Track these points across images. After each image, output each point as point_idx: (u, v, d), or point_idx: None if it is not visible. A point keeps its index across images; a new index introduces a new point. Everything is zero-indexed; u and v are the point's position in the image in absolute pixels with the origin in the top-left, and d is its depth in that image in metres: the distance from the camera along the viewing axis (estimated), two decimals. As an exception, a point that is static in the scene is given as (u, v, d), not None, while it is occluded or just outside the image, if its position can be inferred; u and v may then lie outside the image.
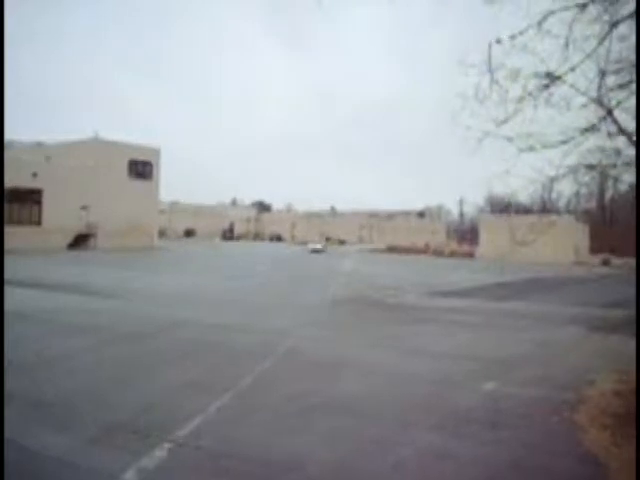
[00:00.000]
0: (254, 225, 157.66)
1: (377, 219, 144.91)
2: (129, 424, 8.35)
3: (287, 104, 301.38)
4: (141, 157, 66.42)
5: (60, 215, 57.16)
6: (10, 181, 54.41)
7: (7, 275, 28.89)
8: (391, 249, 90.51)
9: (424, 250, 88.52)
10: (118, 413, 8.82)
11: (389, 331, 17.54)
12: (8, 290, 23.92)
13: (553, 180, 10.58)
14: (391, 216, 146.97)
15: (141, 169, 66.66)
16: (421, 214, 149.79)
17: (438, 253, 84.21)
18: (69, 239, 58.09)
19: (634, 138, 9.36)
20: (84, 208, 58.94)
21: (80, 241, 58.83)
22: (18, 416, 8.52)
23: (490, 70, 9.63)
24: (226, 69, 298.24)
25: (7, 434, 7.64)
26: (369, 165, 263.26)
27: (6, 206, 54.71)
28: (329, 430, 8.39)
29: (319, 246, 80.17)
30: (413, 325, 18.96)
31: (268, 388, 10.52)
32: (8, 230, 53.23)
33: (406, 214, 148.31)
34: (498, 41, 9.34)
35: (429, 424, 8.79)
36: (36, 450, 7.33)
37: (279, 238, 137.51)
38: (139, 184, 65.45)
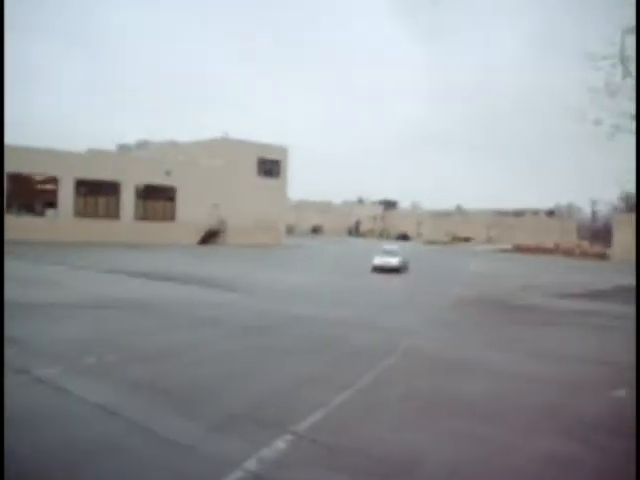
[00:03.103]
0: (380, 223, 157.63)
1: (504, 217, 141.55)
2: (251, 414, 8.50)
3: (418, 100, 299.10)
4: (269, 155, 67.81)
5: (192, 212, 59.26)
6: (145, 178, 57.01)
7: (143, 269, 30.30)
8: (518, 248, 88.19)
9: (553, 250, 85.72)
10: (240, 403, 9.01)
11: (514, 332, 17.10)
12: (143, 283, 25.08)
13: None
14: (519, 214, 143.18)
15: (269, 167, 68.05)
16: (550, 213, 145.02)
17: (568, 253, 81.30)
18: (200, 235, 60.08)
19: None
20: (215, 205, 60.83)
21: (210, 237, 60.73)
22: (145, 402, 8.88)
23: (622, 61, 9.19)
24: (356, 64, 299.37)
25: (135, 418, 8.04)
26: (498, 162, 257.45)
27: (141, 202, 57.31)
28: (448, 431, 8.24)
29: (394, 248, 42.83)
30: (540, 327, 18.40)
31: (389, 386, 10.47)
32: (144, 226, 55.78)
33: (535, 212, 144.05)
34: (631, 30, 8.90)
35: (553, 430, 8.49)
36: (163, 435, 7.60)
37: (405, 237, 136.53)
38: (267, 182, 66.83)
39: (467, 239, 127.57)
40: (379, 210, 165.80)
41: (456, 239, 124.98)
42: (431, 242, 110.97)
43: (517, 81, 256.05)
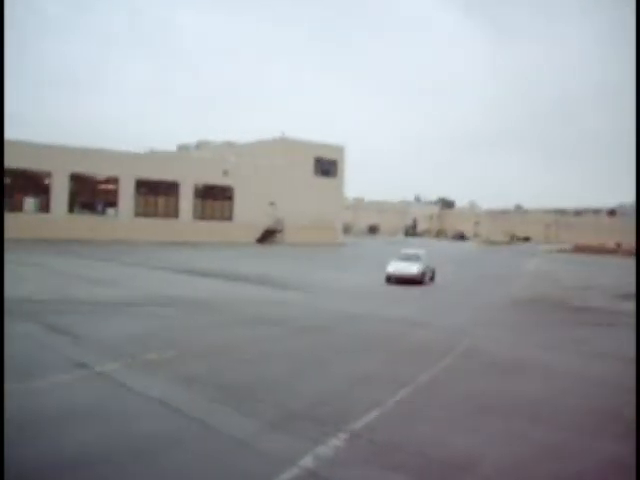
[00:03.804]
0: (437, 222, 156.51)
1: (564, 216, 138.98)
2: (307, 412, 8.58)
3: (479, 98, 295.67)
4: (326, 155, 67.97)
5: (249, 211, 59.82)
6: (204, 178, 57.76)
7: (201, 267, 30.73)
8: (578, 248, 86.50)
9: (615, 250, 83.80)
10: (297, 401, 9.09)
11: (573, 333, 16.82)
12: (201, 281, 25.44)
13: None
14: (579, 213, 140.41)
15: (326, 167, 68.19)
16: (612, 212, 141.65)
17: (631, 254, 79.37)
18: (257, 234, 60.60)
19: None
20: (272, 204, 61.29)
21: (268, 236, 61.20)
22: (204, 398, 9.03)
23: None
24: (414, 61, 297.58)
25: (194, 413, 8.20)
26: (558, 160, 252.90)
27: (199, 202, 58.05)
28: (505, 433, 8.18)
29: (415, 252, 33.56)
30: (600, 328, 18.08)
31: (445, 386, 10.44)
32: (203, 225, 56.49)
33: (595, 211, 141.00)
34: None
35: (614, 434, 8.34)
36: (219, 429, 7.74)
37: (462, 236, 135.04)
38: (324, 181, 67.00)
39: (526, 239, 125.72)
40: (436, 209, 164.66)
41: (514, 239, 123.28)
42: (489, 242, 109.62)
43: (582, 79, 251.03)
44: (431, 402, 9.41)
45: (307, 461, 6.75)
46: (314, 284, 26.41)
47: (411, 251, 32.80)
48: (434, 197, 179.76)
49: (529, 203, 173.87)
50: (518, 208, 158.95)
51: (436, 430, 8.12)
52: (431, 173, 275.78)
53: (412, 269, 28.87)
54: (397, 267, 29.22)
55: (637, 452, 6.88)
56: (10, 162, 46.28)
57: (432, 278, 30.43)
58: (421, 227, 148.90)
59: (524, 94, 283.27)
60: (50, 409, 8.16)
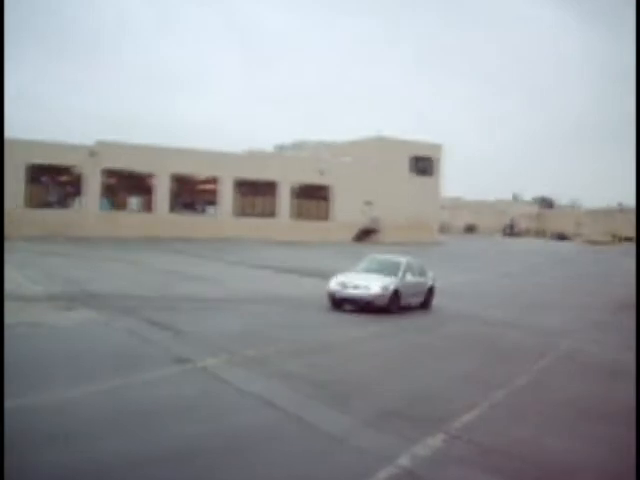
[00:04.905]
0: (536, 222, 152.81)
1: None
2: (403, 411, 8.57)
3: (579, 94, 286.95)
4: (422, 153, 67.33)
5: (346, 210, 59.97)
6: (301, 178, 58.27)
7: (298, 266, 31.00)
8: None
9: None
10: (393, 400, 9.11)
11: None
12: (297, 279, 25.67)
13: None
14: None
15: (422, 165, 67.53)
16: None
17: None
18: (353, 233, 60.67)
19: None
20: (368, 203, 61.25)
21: (364, 235, 61.16)
22: (298, 393, 9.18)
23: None
24: (510, 54, 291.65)
25: (290, 408, 8.32)
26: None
27: (296, 201, 58.60)
28: (607, 439, 7.91)
29: (397, 259, 20.61)
30: None
31: (542, 389, 10.24)
32: (299, 224, 57.02)
33: None
34: None
35: None
36: (315, 425, 7.83)
37: (562, 236, 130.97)
38: (420, 180, 66.38)
39: (628, 239, 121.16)
40: (535, 208, 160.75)
41: (617, 239, 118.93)
42: (591, 242, 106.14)
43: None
44: (529, 405, 9.28)
45: (404, 460, 6.72)
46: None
47: (390, 258, 21.31)
48: (533, 196, 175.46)
49: (633, 201, 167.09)
50: (621, 207, 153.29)
51: (534, 434, 7.99)
52: (529, 172, 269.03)
53: (372, 287, 18.21)
54: (347, 281, 18.66)
55: (637, 450, 6.74)
56: (115, 163, 48.20)
57: (424, 303, 20.10)
58: (520, 226, 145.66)
59: (629, 89, 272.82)
60: (154, 402, 8.45)
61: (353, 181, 60.14)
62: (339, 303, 18.63)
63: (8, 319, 12.97)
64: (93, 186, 48.43)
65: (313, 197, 60.08)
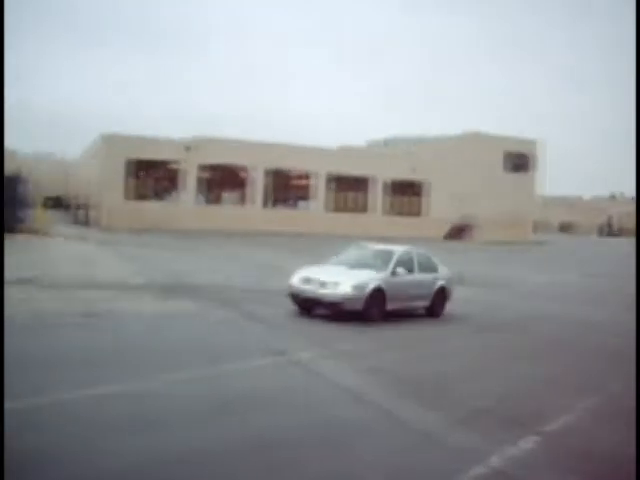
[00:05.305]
0: (636, 220, 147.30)
1: None
2: (495, 411, 8.48)
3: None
4: (516, 150, 65.73)
5: (438, 207, 59.38)
6: (393, 174, 57.95)
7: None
8: None
9: None
10: (485, 399, 8.98)
11: None
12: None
13: None
14: None
15: (516, 162, 65.95)
16: None
17: None
18: (445, 230, 59.90)
19: None
20: (460, 200, 60.24)
21: (456, 232, 60.33)
22: (389, 389, 9.14)
23: None
24: (609, 44, 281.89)
25: (381, 403, 8.31)
26: None
27: (388, 197, 58.28)
28: None
29: (389, 248, 16.54)
30: None
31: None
32: (391, 220, 56.69)
33: None
34: None
35: None
36: (405, 420, 7.81)
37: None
38: (514, 177, 64.86)
39: None
40: (633, 207, 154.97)
41: None
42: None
43: None
44: (627, 410, 8.79)
45: (495, 461, 6.60)
46: (506, 281, 25.74)
47: (379, 247, 17.15)
48: (633, 193, 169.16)
49: None
50: None
51: (631, 441, 7.55)
52: (627, 168, 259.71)
53: (342, 284, 14.11)
54: (312, 276, 14.78)
55: (637, 451, 6.52)
56: (210, 158, 49.04)
57: (431, 309, 16.16)
58: (619, 225, 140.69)
59: None
60: (247, 392, 8.57)
61: (446, 177, 59.42)
62: (305, 305, 15.01)
63: (111, 307, 13.81)
64: (189, 180, 49.57)
65: (405, 193, 59.76)
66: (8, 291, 13.73)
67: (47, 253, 25.89)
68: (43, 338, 10.79)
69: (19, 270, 18.11)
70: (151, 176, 53.66)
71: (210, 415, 7.42)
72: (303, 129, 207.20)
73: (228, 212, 50.81)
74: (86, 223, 47.38)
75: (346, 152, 62.46)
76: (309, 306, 14.95)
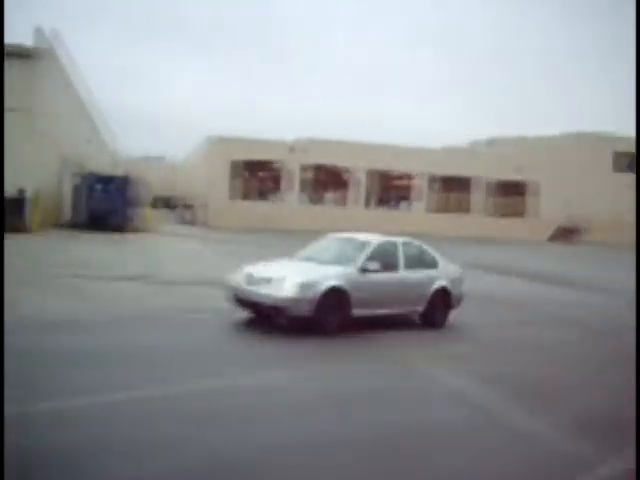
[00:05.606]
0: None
1: None
2: (604, 421, 8.34)
3: None
4: (627, 149, 63.33)
5: (543, 208, 58.01)
6: (495, 174, 57.09)
7: (493, 263, 30.30)
8: None
9: None
10: (592, 409, 8.87)
11: None
12: (494, 277, 25.04)
13: None
14: None
15: (628, 162, 63.52)
16: None
17: None
18: (550, 232, 58.45)
19: None
20: (567, 201, 58.61)
21: (561, 234, 58.72)
22: (498, 392, 9.09)
23: None
24: None
25: (490, 407, 8.37)
26: None
27: (491, 198, 57.44)
28: None
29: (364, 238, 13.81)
30: None
31: None
32: (493, 221, 55.85)
33: None
34: None
35: None
36: (512, 425, 7.81)
37: None
38: (625, 177, 62.49)
39: None
40: None
41: None
42: None
43: None
44: None
45: (604, 470, 6.59)
46: (615, 287, 24.70)
47: (353, 236, 14.58)
48: None
49: None
50: None
51: None
52: None
53: (286, 282, 11.22)
54: (255, 273, 12.01)
55: (637, 452, 6.53)
56: (313, 158, 49.74)
57: (427, 316, 13.29)
58: None
59: None
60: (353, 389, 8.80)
61: (551, 178, 58.03)
62: (246, 305, 12.08)
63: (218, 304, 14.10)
64: (292, 181, 50.38)
65: (508, 194, 58.67)
66: (120, 285, 14.45)
67: (156, 250, 26.95)
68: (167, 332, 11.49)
69: (129, 266, 18.95)
70: (255, 176, 54.77)
71: (318, 409, 7.70)
72: (409, 130, 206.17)
73: (331, 212, 51.21)
74: (192, 222, 48.90)
75: (449, 152, 61.93)
76: (244, 306, 12.12)
